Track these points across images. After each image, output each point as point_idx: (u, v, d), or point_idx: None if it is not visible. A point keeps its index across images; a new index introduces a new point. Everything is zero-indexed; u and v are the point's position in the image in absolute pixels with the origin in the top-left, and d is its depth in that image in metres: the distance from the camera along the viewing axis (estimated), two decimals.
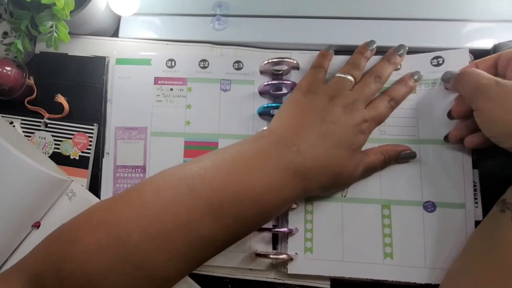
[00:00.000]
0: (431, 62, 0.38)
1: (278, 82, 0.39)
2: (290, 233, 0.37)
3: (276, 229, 0.37)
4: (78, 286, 0.27)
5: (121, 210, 0.29)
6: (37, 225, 0.37)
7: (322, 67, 0.38)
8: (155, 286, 0.29)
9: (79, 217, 0.30)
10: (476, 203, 0.36)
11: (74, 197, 0.37)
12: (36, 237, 0.37)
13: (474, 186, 0.36)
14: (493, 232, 0.31)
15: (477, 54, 0.38)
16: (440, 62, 0.38)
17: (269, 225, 0.38)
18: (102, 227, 0.28)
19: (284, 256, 0.36)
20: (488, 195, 0.36)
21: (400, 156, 0.37)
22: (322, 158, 0.32)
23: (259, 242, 0.38)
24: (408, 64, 0.38)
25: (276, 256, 0.36)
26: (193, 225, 0.29)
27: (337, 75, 0.37)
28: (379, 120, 0.36)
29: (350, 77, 0.36)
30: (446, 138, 0.36)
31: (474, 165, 0.37)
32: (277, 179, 0.31)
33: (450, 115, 0.36)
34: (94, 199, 0.38)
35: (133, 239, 0.28)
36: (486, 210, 0.36)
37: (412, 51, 0.39)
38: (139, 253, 0.28)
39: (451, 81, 0.35)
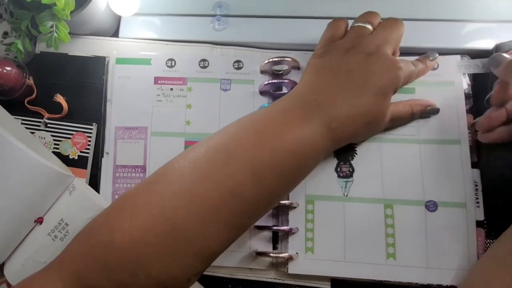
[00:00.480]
0: None
1: (278, 81, 0.39)
2: (290, 232, 0.36)
3: (277, 227, 0.37)
4: (127, 275, 0.27)
5: (160, 189, 0.29)
6: (40, 221, 0.37)
7: (341, 18, 0.36)
8: (202, 263, 0.28)
9: (109, 209, 0.30)
10: (478, 203, 0.36)
11: (74, 191, 0.37)
12: (39, 233, 0.37)
13: (476, 186, 0.36)
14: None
15: (477, 54, 0.38)
16: (436, 66, 0.38)
17: (269, 223, 0.38)
18: (142, 210, 0.28)
19: (285, 254, 0.36)
20: (489, 195, 0.36)
21: (426, 111, 0.37)
22: (344, 108, 0.31)
23: (259, 242, 0.38)
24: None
25: (276, 255, 0.36)
26: (237, 189, 0.28)
27: (354, 25, 0.35)
28: (412, 72, 0.35)
29: (369, 26, 0.34)
30: (487, 100, 0.36)
31: (476, 165, 0.37)
32: (306, 130, 0.31)
33: (488, 101, 0.36)
34: (93, 193, 0.38)
35: (180, 215, 0.27)
36: (487, 209, 0.36)
37: (412, 51, 0.39)
38: (187, 229, 0.27)
39: (500, 67, 0.34)
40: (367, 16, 0.35)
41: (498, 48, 0.38)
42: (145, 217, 0.28)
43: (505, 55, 0.34)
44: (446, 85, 0.38)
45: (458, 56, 0.38)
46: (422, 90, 0.38)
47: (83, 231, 0.30)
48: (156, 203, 0.28)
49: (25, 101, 0.41)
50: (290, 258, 0.36)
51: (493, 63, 0.35)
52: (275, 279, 0.37)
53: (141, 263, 0.27)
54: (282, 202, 0.36)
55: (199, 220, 0.28)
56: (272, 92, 0.40)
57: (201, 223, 0.28)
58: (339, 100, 0.31)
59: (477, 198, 0.36)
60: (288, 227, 0.36)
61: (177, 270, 0.28)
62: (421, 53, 0.38)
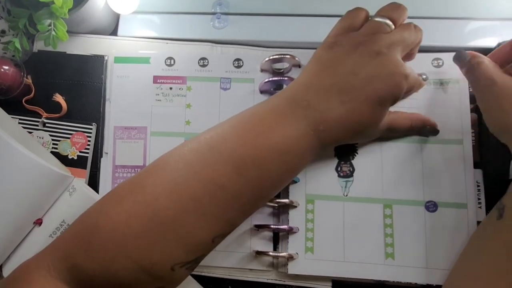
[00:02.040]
0: (432, 63, 0.38)
1: (278, 78, 0.38)
2: (290, 231, 0.36)
3: (277, 226, 0.37)
4: (110, 256, 0.28)
5: (145, 178, 0.30)
6: (39, 222, 0.37)
7: (362, 8, 0.33)
8: (187, 251, 0.29)
9: (105, 196, 0.31)
10: (480, 203, 0.36)
11: (74, 192, 0.37)
12: (39, 234, 0.37)
13: (478, 186, 0.36)
14: (484, 231, 0.32)
15: (481, 52, 0.38)
16: (440, 64, 0.38)
17: (269, 223, 0.38)
18: (128, 197, 0.29)
19: (284, 254, 0.36)
20: (492, 196, 0.36)
21: (424, 129, 0.36)
22: (336, 112, 0.30)
23: (259, 242, 0.37)
24: (410, 63, 0.38)
25: (276, 254, 0.36)
26: (218, 180, 0.29)
27: (373, 19, 0.32)
28: (416, 81, 0.33)
29: (389, 22, 0.32)
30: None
31: (478, 165, 0.36)
32: (291, 129, 0.31)
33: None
34: (93, 194, 0.38)
35: (161, 202, 0.28)
36: (489, 210, 0.35)
37: None
38: (168, 215, 0.28)
39: (465, 66, 0.34)
40: (391, 9, 0.32)
41: None
42: (130, 203, 0.29)
43: (467, 54, 0.34)
44: (450, 83, 0.38)
45: None
46: (426, 89, 0.38)
47: (78, 217, 0.31)
48: (141, 191, 0.29)
49: (23, 100, 0.41)
50: (290, 258, 0.36)
51: (457, 60, 0.35)
52: (276, 280, 0.37)
53: (123, 246, 0.28)
54: (282, 200, 0.36)
55: (180, 208, 0.28)
56: (272, 91, 0.39)
57: (182, 211, 0.28)
58: (332, 104, 0.31)
59: (479, 199, 0.36)
60: (288, 226, 0.36)
61: (157, 255, 0.28)
62: (423, 51, 0.38)
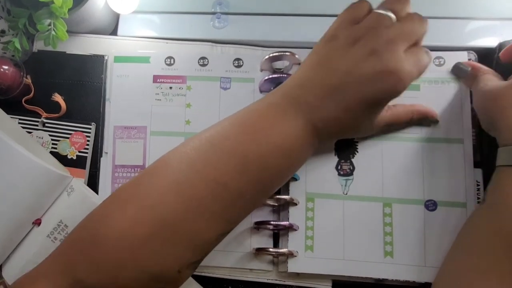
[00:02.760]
0: (433, 62, 0.38)
1: (278, 76, 0.38)
2: (291, 228, 0.36)
3: (277, 222, 0.37)
4: (115, 266, 0.27)
5: (149, 181, 0.29)
6: (38, 222, 0.36)
7: (366, 0, 0.31)
8: (192, 252, 0.29)
9: (105, 201, 0.30)
10: (479, 203, 0.36)
11: (73, 192, 0.37)
12: (38, 235, 0.37)
13: (478, 185, 0.36)
14: (467, 220, 0.33)
15: (481, 52, 0.38)
16: (442, 62, 0.38)
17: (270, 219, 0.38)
18: (133, 202, 0.29)
19: (285, 250, 0.36)
20: None
21: (425, 120, 0.37)
22: (332, 111, 0.30)
23: (259, 240, 0.37)
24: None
25: (276, 251, 0.36)
26: (220, 179, 0.29)
27: (375, 11, 0.30)
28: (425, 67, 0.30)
29: (391, 14, 0.29)
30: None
31: (478, 165, 0.36)
32: (290, 125, 0.31)
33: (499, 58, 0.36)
34: (92, 194, 0.38)
35: (167, 205, 0.28)
36: None
37: None
38: (174, 218, 0.28)
39: (466, 79, 0.36)
40: (395, 2, 0.30)
41: (501, 46, 0.38)
42: (136, 209, 0.28)
43: (465, 67, 0.37)
44: (452, 81, 0.38)
45: (465, 53, 0.38)
46: (427, 87, 0.38)
47: (78, 224, 0.31)
48: (145, 195, 0.29)
49: (23, 100, 0.41)
50: (290, 255, 0.36)
51: (456, 73, 0.37)
52: (276, 280, 0.37)
53: (129, 253, 0.27)
54: (282, 197, 0.36)
55: (185, 209, 0.28)
56: (272, 90, 0.39)
57: (188, 212, 0.28)
58: (328, 102, 0.30)
59: (478, 198, 0.36)
60: (288, 223, 0.36)
61: (166, 259, 0.28)
62: None
